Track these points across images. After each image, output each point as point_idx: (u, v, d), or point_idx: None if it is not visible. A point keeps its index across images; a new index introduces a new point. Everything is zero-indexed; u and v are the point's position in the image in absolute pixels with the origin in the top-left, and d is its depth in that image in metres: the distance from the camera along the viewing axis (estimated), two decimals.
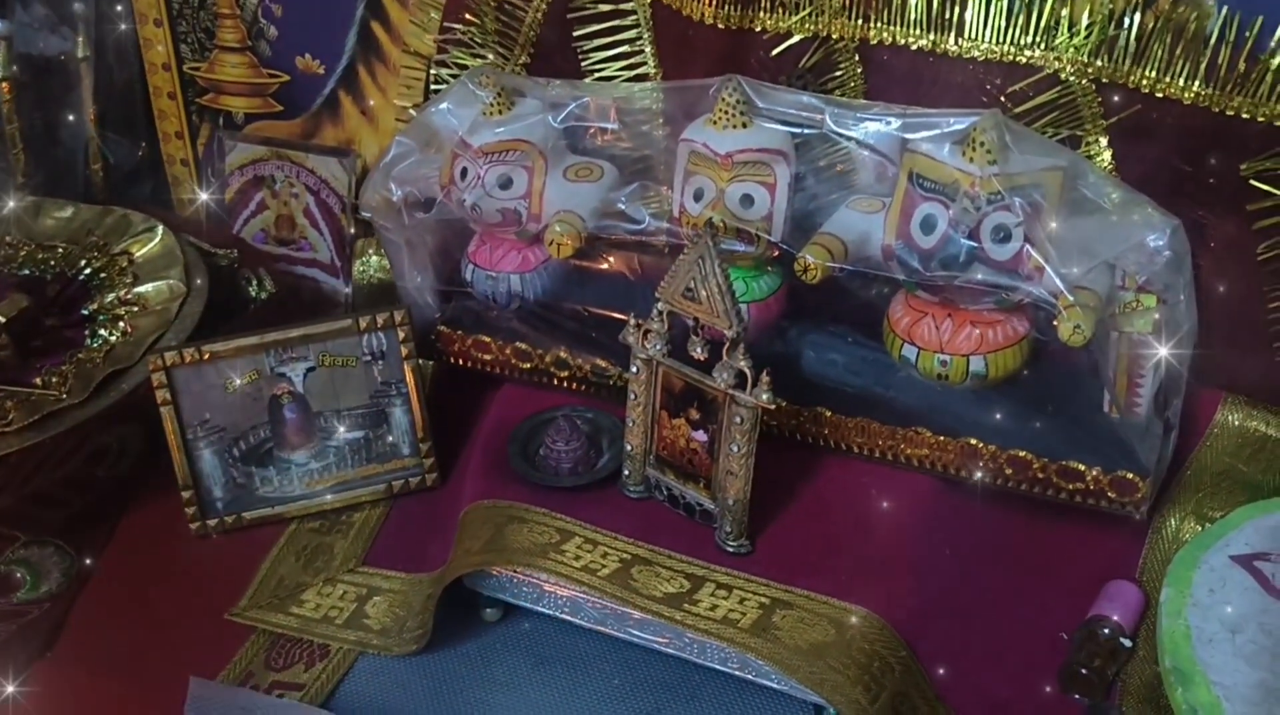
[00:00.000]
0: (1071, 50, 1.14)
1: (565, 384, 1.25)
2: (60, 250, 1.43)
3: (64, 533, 1.20)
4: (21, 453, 1.17)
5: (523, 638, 1.11)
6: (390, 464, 1.25)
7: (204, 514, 1.22)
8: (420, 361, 1.24)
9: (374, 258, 1.45)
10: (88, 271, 1.40)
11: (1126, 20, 1.12)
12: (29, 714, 1.07)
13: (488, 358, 1.28)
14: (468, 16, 1.35)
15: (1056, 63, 1.15)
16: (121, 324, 1.31)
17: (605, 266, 1.25)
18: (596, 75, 1.31)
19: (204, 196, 1.51)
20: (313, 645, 1.11)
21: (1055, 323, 1.03)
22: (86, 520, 1.22)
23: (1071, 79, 1.15)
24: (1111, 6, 1.12)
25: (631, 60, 1.30)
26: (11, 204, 1.46)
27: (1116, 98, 1.14)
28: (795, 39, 1.24)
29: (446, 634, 1.10)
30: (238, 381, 1.19)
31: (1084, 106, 1.16)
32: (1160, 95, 1.14)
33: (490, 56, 1.35)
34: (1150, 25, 1.12)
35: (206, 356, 1.19)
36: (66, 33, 1.53)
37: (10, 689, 1.06)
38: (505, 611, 1.12)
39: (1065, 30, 1.14)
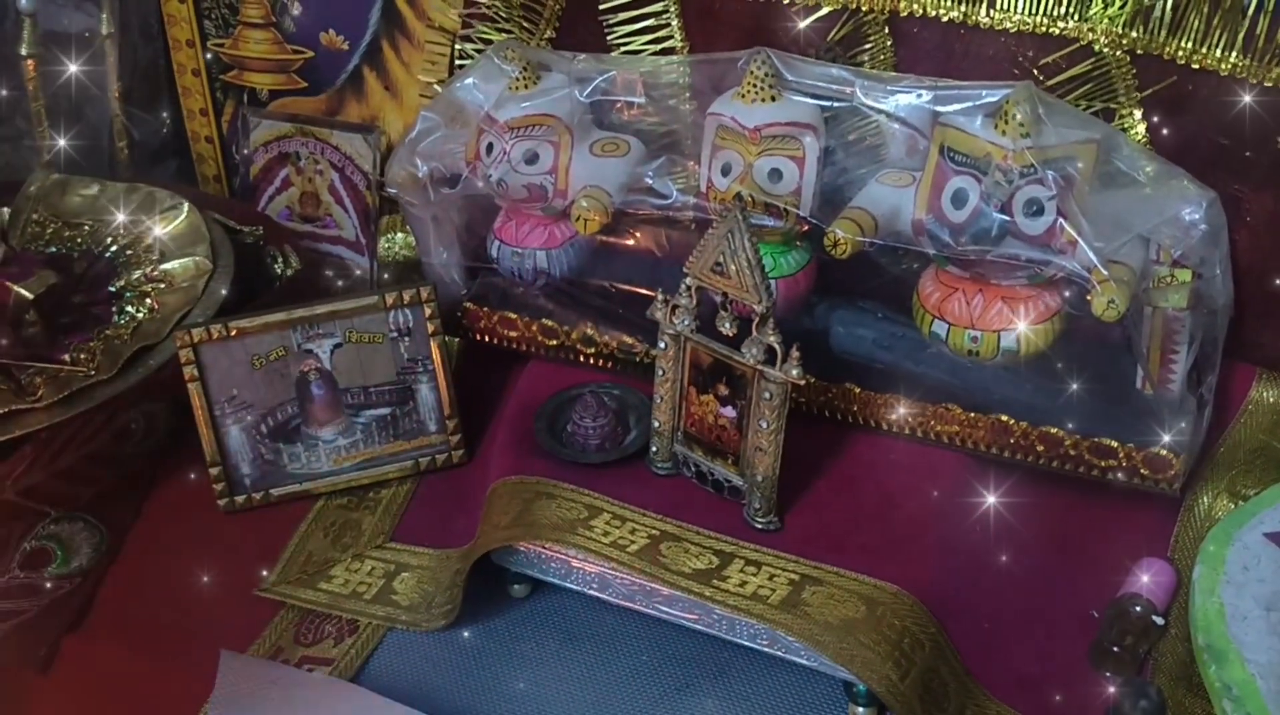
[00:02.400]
0: (1106, 21, 1.13)
1: (591, 361, 1.25)
2: (86, 227, 1.43)
3: (93, 509, 1.20)
4: (51, 429, 1.17)
5: (551, 614, 1.11)
6: (417, 441, 1.25)
7: (232, 490, 1.22)
8: (446, 338, 1.24)
9: (399, 234, 1.45)
10: (114, 248, 1.40)
11: None
12: (60, 688, 1.08)
13: (514, 335, 1.27)
14: None
15: (1090, 34, 1.14)
16: (148, 301, 1.31)
17: (631, 242, 1.25)
18: (622, 49, 1.30)
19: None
20: (341, 620, 1.11)
21: (1089, 297, 1.02)
22: (115, 496, 1.22)
23: (1106, 51, 1.14)
24: None
25: (658, 34, 1.29)
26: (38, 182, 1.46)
27: (1152, 69, 1.13)
28: (824, 11, 1.22)
29: (474, 610, 1.09)
30: (265, 358, 1.20)
31: (1118, 78, 1.14)
32: (1196, 67, 1.12)
33: (515, 31, 1.34)
34: None
35: (234, 333, 1.19)
36: (91, 9, 1.52)
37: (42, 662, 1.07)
38: (533, 588, 1.12)
39: (1099, 1, 1.12)
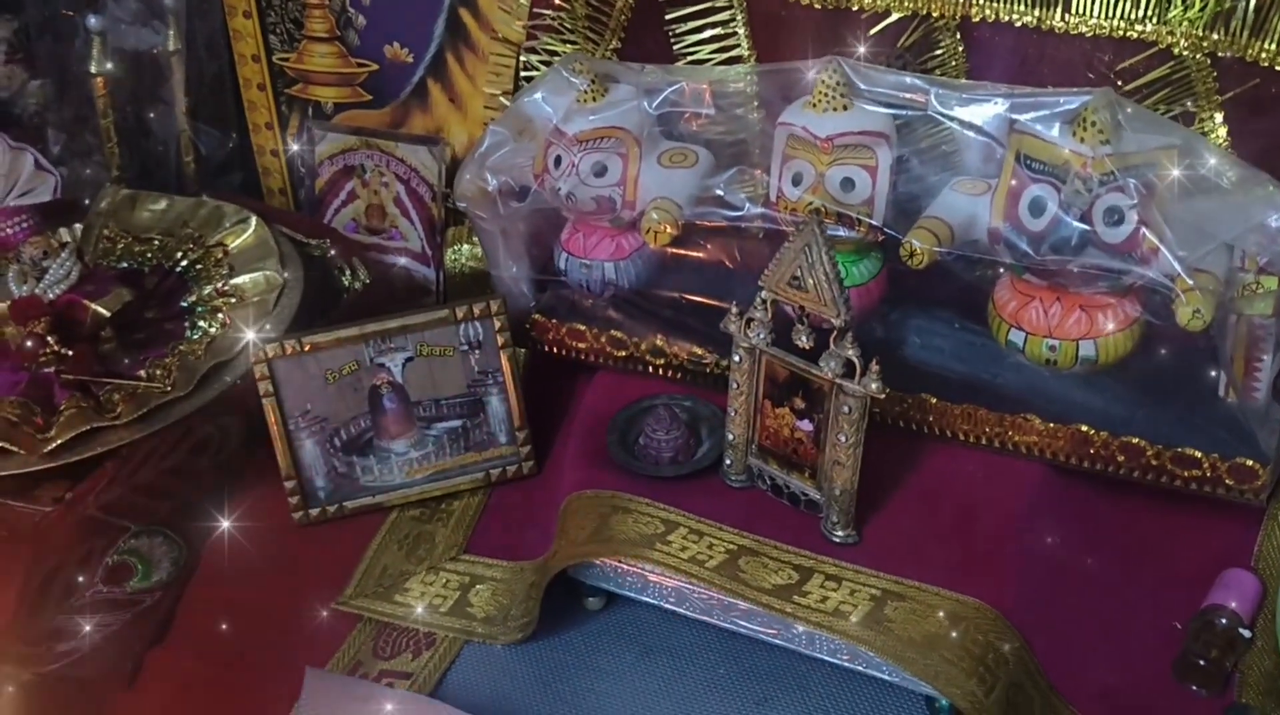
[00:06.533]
0: (1186, 24, 1.10)
1: (660, 372, 1.24)
2: (156, 242, 1.45)
3: (171, 523, 1.21)
4: (131, 445, 1.19)
5: (626, 627, 1.11)
6: (488, 452, 1.25)
7: (306, 503, 1.23)
8: (515, 350, 1.24)
9: (465, 246, 1.46)
10: (184, 263, 1.41)
11: None
12: (146, 701, 1.09)
13: (582, 346, 1.27)
14: (557, 2, 1.33)
15: (1170, 37, 1.12)
16: (220, 316, 1.32)
17: (699, 253, 1.24)
18: (689, 58, 1.29)
19: None
20: (418, 634, 1.12)
21: (1173, 307, 1.00)
22: (192, 510, 1.23)
23: (1185, 54, 1.11)
24: None
25: (725, 43, 1.28)
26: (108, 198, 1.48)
27: (1233, 72, 1.11)
28: (894, 18, 1.21)
29: (550, 623, 1.10)
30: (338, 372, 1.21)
31: (1198, 82, 1.12)
32: None
33: (580, 42, 1.33)
34: None
35: (307, 348, 1.20)
36: (158, 26, 1.54)
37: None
38: (608, 600, 1.13)
39: (1179, 3, 1.10)
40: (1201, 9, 1.10)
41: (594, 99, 1.20)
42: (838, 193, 1.12)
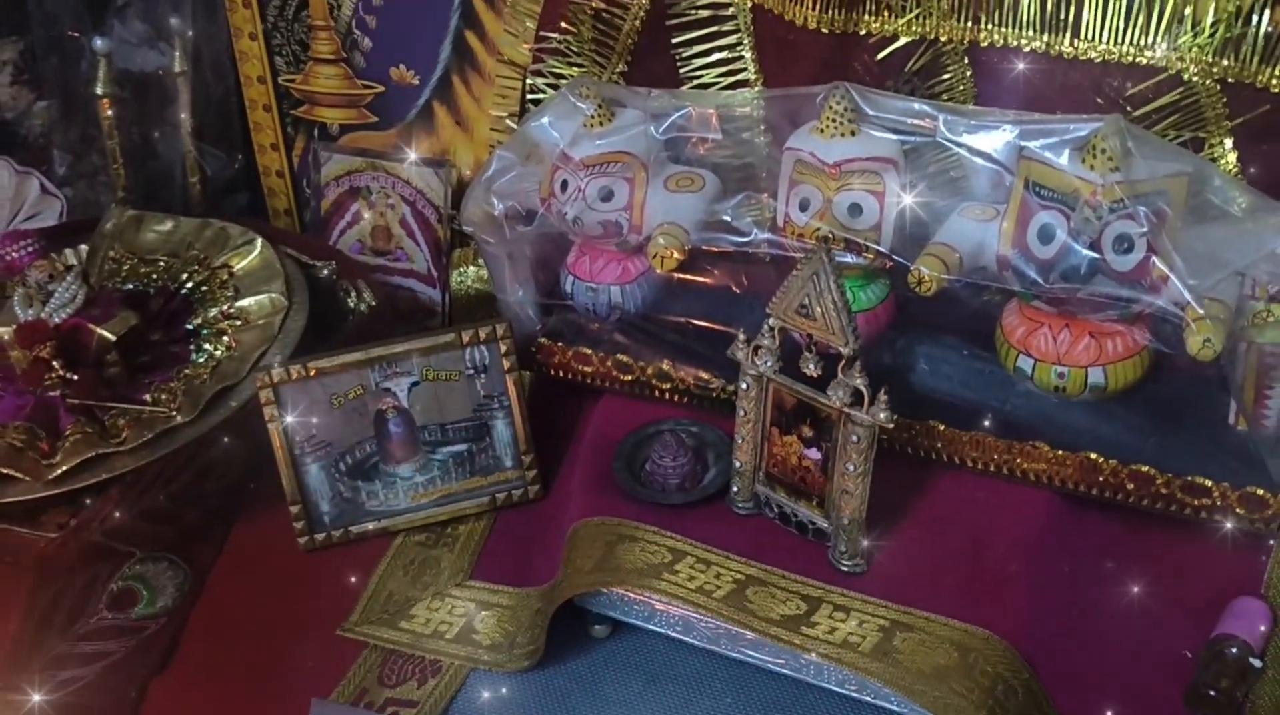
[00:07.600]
0: (1195, 50, 1.10)
1: (666, 396, 1.24)
2: (161, 264, 1.44)
3: (176, 548, 1.21)
4: (136, 471, 1.18)
5: (633, 655, 1.10)
6: (493, 476, 1.25)
7: (311, 528, 1.22)
8: (520, 373, 1.24)
9: (471, 268, 1.45)
10: (189, 285, 1.41)
11: (1254, 18, 1.08)
12: None
13: (588, 370, 1.27)
14: (564, 25, 1.33)
15: (1179, 63, 1.11)
16: (225, 339, 1.31)
17: (705, 277, 1.24)
18: (695, 82, 1.29)
19: None
20: (424, 661, 1.11)
21: (1184, 336, 1.00)
22: (197, 535, 1.23)
23: (1195, 80, 1.11)
24: (1238, 3, 1.08)
25: (731, 67, 1.28)
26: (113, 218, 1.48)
27: (1243, 98, 1.10)
28: (901, 42, 1.21)
29: (555, 650, 1.09)
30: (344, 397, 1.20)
31: (1208, 108, 1.11)
32: None
33: (586, 65, 1.33)
34: None
35: (313, 373, 1.19)
36: (164, 48, 1.54)
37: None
38: (614, 628, 1.12)
39: (1189, 29, 1.10)
40: (1211, 34, 1.09)
41: (601, 123, 1.20)
42: (845, 218, 1.12)
